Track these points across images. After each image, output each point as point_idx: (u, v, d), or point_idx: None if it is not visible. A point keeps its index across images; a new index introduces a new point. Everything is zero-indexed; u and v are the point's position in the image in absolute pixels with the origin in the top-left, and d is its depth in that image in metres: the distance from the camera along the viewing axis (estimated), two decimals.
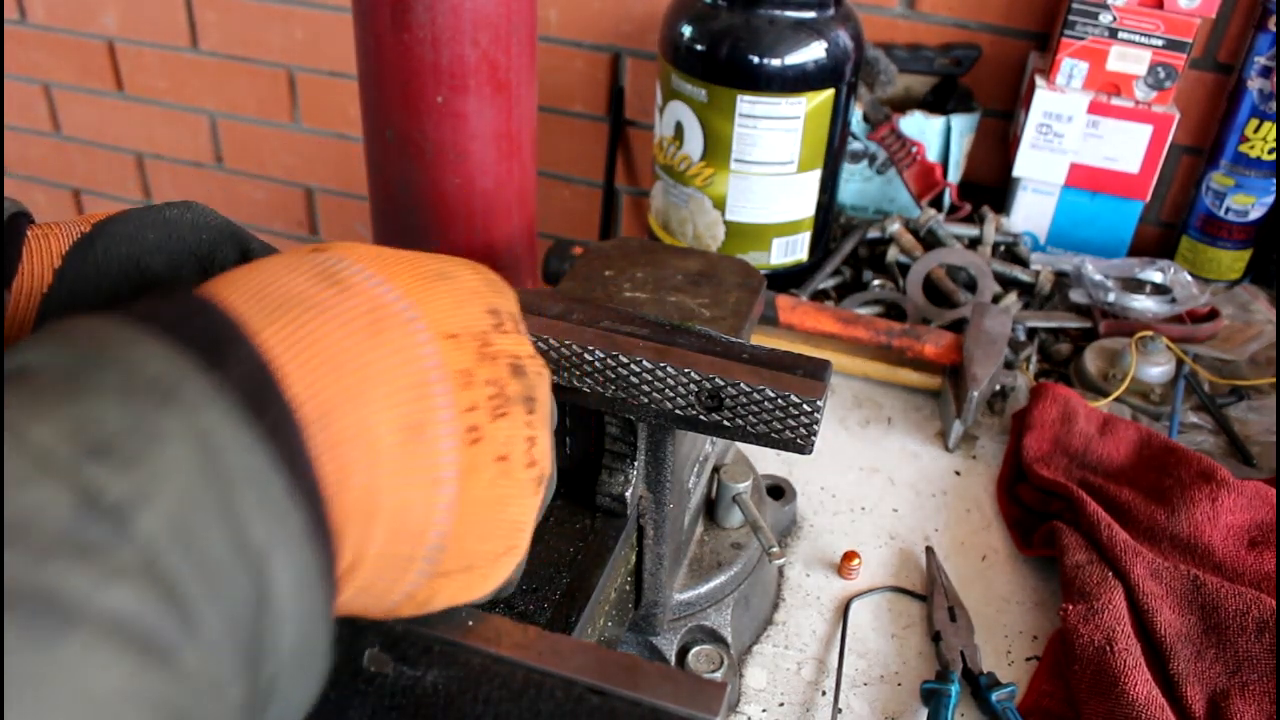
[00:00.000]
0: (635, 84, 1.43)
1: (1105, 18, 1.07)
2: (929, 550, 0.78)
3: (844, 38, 0.99)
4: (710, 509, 0.71)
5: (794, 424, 0.50)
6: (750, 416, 0.50)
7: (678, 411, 0.52)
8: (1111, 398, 0.92)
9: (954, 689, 0.66)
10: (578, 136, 1.50)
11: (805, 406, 0.49)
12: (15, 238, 0.41)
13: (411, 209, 0.97)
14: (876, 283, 1.09)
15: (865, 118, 1.17)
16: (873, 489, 0.85)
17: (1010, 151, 1.21)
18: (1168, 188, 1.25)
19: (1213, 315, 1.03)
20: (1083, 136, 1.12)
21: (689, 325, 0.54)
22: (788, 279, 1.10)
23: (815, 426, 0.50)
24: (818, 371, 0.51)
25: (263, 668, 0.26)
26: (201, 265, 0.44)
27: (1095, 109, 1.10)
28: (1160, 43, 1.07)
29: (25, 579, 0.20)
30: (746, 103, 0.98)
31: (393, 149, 0.94)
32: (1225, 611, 0.68)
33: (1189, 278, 1.07)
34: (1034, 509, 0.81)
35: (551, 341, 0.52)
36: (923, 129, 1.19)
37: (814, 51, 0.97)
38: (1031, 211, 1.19)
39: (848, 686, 0.68)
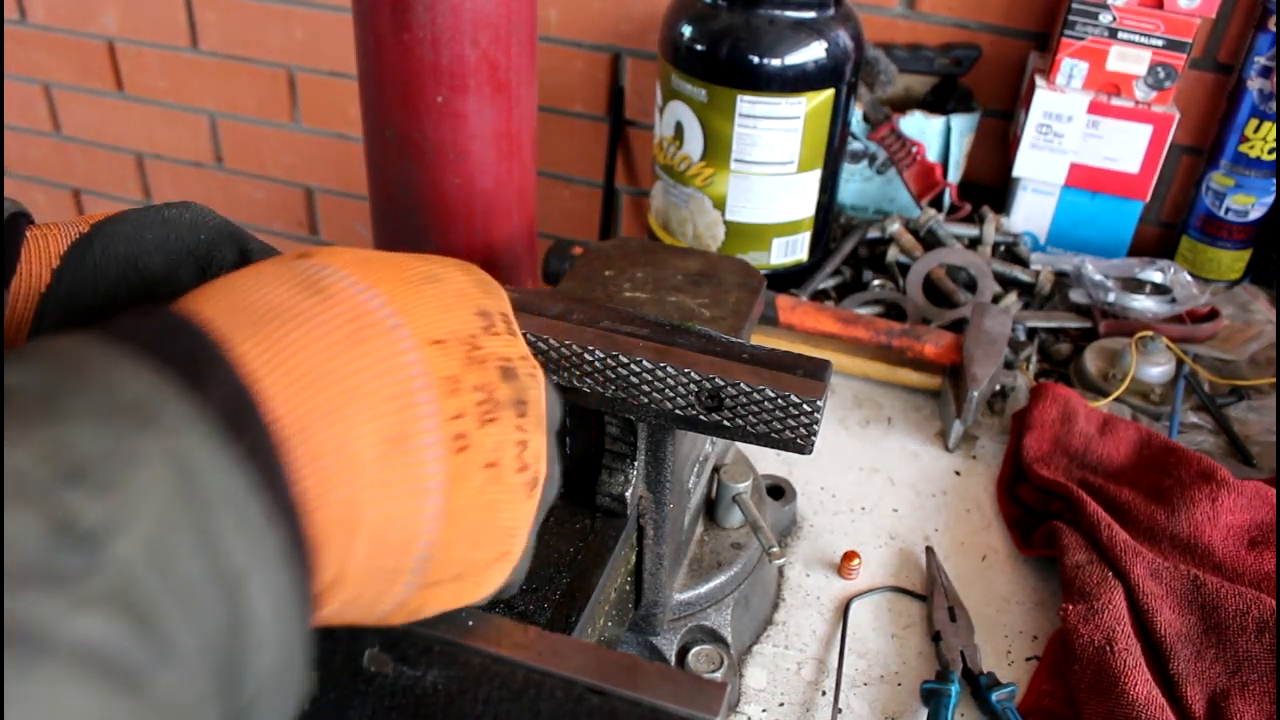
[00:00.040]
0: (635, 84, 1.43)
1: (1105, 18, 1.07)
2: (929, 550, 0.78)
3: (844, 38, 0.99)
4: (710, 509, 0.71)
5: (794, 424, 0.50)
6: (750, 416, 0.50)
7: (678, 411, 0.52)
8: (1111, 398, 0.92)
9: (954, 689, 0.66)
10: (578, 136, 1.50)
11: (805, 406, 0.49)
12: (14, 238, 0.41)
13: (411, 209, 0.97)
14: (876, 283, 1.09)
15: (865, 118, 1.17)
16: (873, 489, 0.85)
17: (1010, 151, 1.21)
18: (1168, 188, 1.25)
19: (1213, 315, 1.03)
20: (1083, 136, 1.12)
21: (689, 325, 0.54)
22: (788, 279, 1.10)
23: (815, 426, 0.50)
24: (818, 371, 0.51)
25: (241, 690, 0.26)
26: (200, 265, 0.44)
27: (1095, 109, 1.10)
28: (1160, 43, 1.07)
29: None
30: (746, 103, 0.98)
31: (393, 149, 0.94)
32: (1225, 611, 0.68)
33: (1189, 278, 1.07)
34: (1034, 509, 0.81)
35: (551, 341, 0.52)
36: (923, 129, 1.19)
37: (814, 51, 0.97)
38: (1031, 211, 1.19)
39: (848, 686, 0.68)
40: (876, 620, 0.74)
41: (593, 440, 0.59)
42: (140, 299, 0.43)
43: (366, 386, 0.30)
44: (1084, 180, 1.14)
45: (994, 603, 0.75)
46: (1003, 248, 1.15)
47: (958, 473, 0.87)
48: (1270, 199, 1.13)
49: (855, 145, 1.21)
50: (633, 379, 0.51)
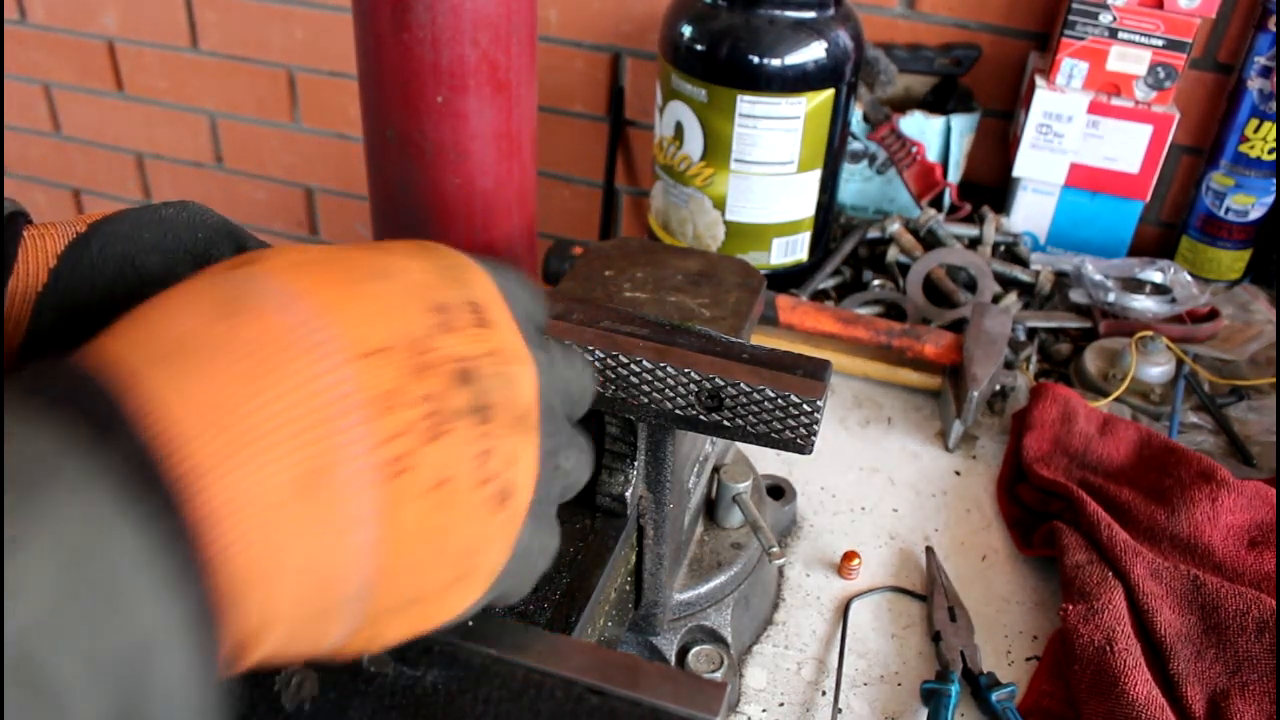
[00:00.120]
0: (635, 84, 1.43)
1: (1105, 18, 1.07)
2: (929, 550, 0.78)
3: (844, 38, 0.99)
4: (710, 509, 0.71)
5: (794, 424, 0.50)
6: (750, 416, 0.50)
7: (678, 411, 0.52)
8: (1111, 398, 0.92)
9: (954, 689, 0.66)
10: (578, 136, 1.50)
11: (805, 406, 0.49)
12: (11, 238, 0.41)
13: (411, 209, 0.97)
14: (876, 283, 1.09)
15: (865, 118, 1.18)
16: (873, 489, 0.85)
17: (1010, 151, 1.21)
18: (1168, 188, 1.25)
19: (1213, 315, 1.03)
20: (1083, 136, 1.12)
21: (689, 325, 0.54)
22: (788, 279, 1.10)
23: (815, 426, 0.50)
24: (818, 371, 0.51)
25: None
26: (198, 264, 0.44)
27: (1095, 109, 1.10)
28: (1160, 43, 1.07)
29: None
30: (746, 103, 0.98)
31: (393, 149, 0.94)
32: (1225, 611, 0.68)
33: (1189, 278, 1.07)
34: (1034, 509, 0.81)
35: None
36: (923, 129, 1.19)
37: (814, 51, 0.97)
38: (1031, 211, 1.19)
39: (848, 686, 0.68)
40: (876, 620, 0.74)
41: (593, 440, 0.59)
42: (138, 298, 0.43)
43: (279, 419, 0.28)
44: (1084, 180, 1.14)
45: (994, 603, 0.75)
46: (1003, 248, 1.15)
47: (958, 473, 0.87)
48: (1270, 199, 1.13)
49: (855, 145, 1.21)
50: (633, 379, 0.51)
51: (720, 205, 1.06)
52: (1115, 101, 1.10)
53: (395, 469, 0.30)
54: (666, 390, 0.51)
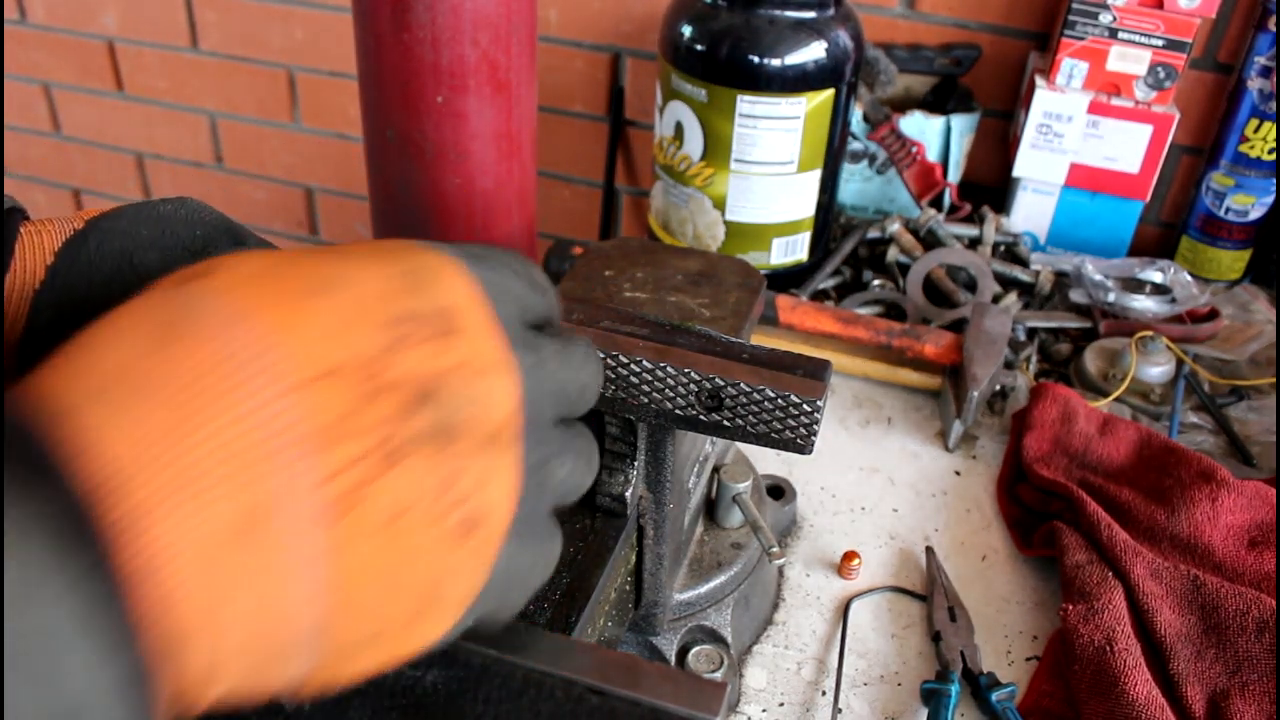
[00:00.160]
0: (635, 84, 1.43)
1: (1105, 18, 1.07)
2: (929, 550, 0.78)
3: (844, 38, 0.99)
4: (710, 509, 0.71)
5: (794, 424, 0.50)
6: (750, 416, 0.50)
7: (678, 411, 0.52)
8: (1111, 398, 0.92)
9: (954, 689, 0.66)
10: (578, 136, 1.50)
11: (805, 406, 0.49)
12: (8, 234, 0.40)
13: (411, 209, 0.97)
14: (876, 283, 1.09)
15: (865, 118, 1.18)
16: (873, 489, 0.85)
17: (1010, 151, 1.21)
18: (1168, 188, 1.25)
19: (1213, 315, 1.03)
20: (1083, 136, 1.12)
21: (689, 325, 0.54)
22: (788, 279, 1.10)
23: (815, 426, 0.50)
24: (818, 371, 0.51)
25: None
26: (195, 261, 0.44)
27: (1095, 109, 1.10)
28: (1160, 43, 1.07)
29: None
30: (746, 103, 0.98)
31: (393, 149, 0.94)
32: (1225, 611, 0.68)
33: (1189, 278, 1.07)
34: (1034, 509, 0.81)
35: None
36: (923, 129, 1.19)
37: (814, 51, 0.97)
38: (1031, 211, 1.19)
39: (848, 686, 0.68)
40: (876, 620, 0.74)
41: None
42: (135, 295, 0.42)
43: (219, 455, 0.26)
44: (1084, 180, 1.14)
45: (994, 603, 0.75)
46: (1003, 248, 1.15)
47: (958, 473, 0.87)
48: (1270, 199, 1.13)
49: (855, 145, 1.21)
50: (633, 379, 0.51)
51: (720, 205, 1.06)
52: (1115, 101, 1.10)
53: (345, 505, 0.28)
54: (666, 390, 0.51)
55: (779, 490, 0.79)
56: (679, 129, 1.04)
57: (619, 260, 0.74)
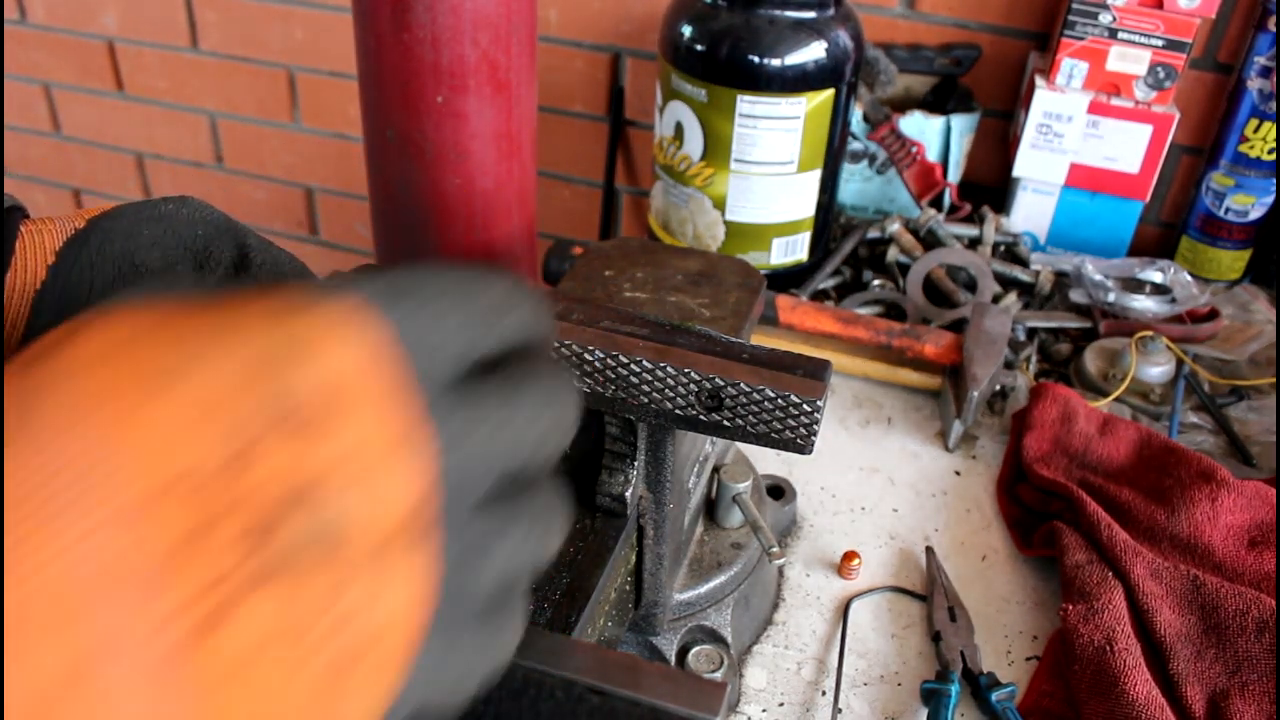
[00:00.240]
0: (635, 84, 1.43)
1: (1105, 18, 1.07)
2: (929, 550, 0.78)
3: (844, 38, 0.99)
4: (710, 509, 0.71)
5: (794, 424, 0.50)
6: (750, 416, 0.50)
7: (678, 411, 0.52)
8: (1111, 398, 0.92)
9: (954, 689, 0.66)
10: (578, 136, 1.50)
11: (805, 406, 0.49)
12: (9, 233, 0.40)
13: (411, 209, 0.97)
14: (876, 283, 1.09)
15: (865, 118, 1.18)
16: (873, 489, 0.85)
17: (1010, 151, 1.21)
18: (1168, 188, 1.25)
19: (1213, 315, 1.03)
20: (1083, 136, 1.12)
21: (689, 325, 0.54)
22: (788, 279, 1.10)
23: (815, 426, 0.50)
24: (818, 371, 0.51)
25: None
26: (197, 261, 0.44)
27: (1095, 109, 1.10)
28: (1160, 43, 1.07)
29: None
30: (746, 103, 0.98)
31: (393, 149, 0.94)
32: (1225, 611, 0.68)
33: (1189, 278, 1.07)
34: (1034, 509, 0.81)
35: (551, 341, 0.52)
36: (923, 129, 1.19)
37: (814, 51, 0.97)
38: (1031, 211, 1.19)
39: (848, 686, 0.68)
40: (876, 620, 0.73)
41: (593, 440, 0.59)
42: None
43: (40, 599, 0.22)
44: (1084, 180, 1.14)
45: (994, 603, 0.75)
46: (1003, 248, 1.15)
47: (958, 473, 0.87)
48: (1270, 199, 1.13)
49: (855, 145, 1.21)
50: (633, 379, 0.51)
51: (720, 205, 1.06)
52: (1115, 101, 1.10)
53: (190, 648, 0.23)
54: (666, 390, 0.51)
55: (779, 490, 0.79)
56: (679, 129, 1.04)
57: (619, 260, 0.74)
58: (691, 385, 0.51)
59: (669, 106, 1.05)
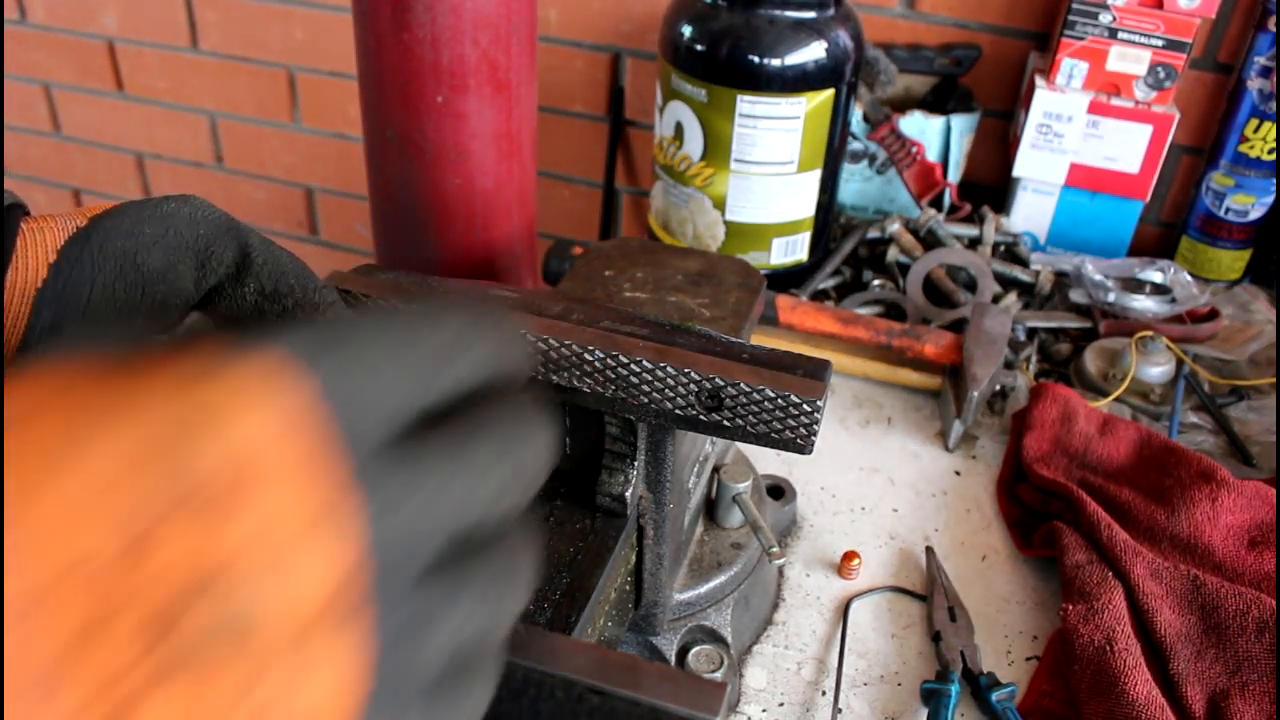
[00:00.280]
0: (635, 84, 1.43)
1: (1105, 18, 1.07)
2: (929, 550, 0.78)
3: (844, 38, 0.99)
4: (710, 509, 0.71)
5: (794, 424, 0.50)
6: (750, 416, 0.50)
7: (678, 411, 0.52)
8: (1111, 398, 0.92)
9: (954, 689, 0.66)
10: (578, 136, 1.50)
11: (805, 406, 0.49)
12: (9, 230, 0.40)
13: (411, 209, 0.97)
14: (876, 283, 1.09)
15: (865, 118, 1.18)
16: (873, 489, 0.85)
17: (1010, 151, 1.21)
18: (1168, 188, 1.25)
19: (1213, 315, 1.03)
20: (1083, 136, 1.12)
21: (689, 325, 0.54)
22: (788, 279, 1.10)
23: (815, 426, 0.50)
24: (818, 371, 0.51)
25: None
26: (199, 260, 0.44)
27: (1095, 109, 1.10)
28: (1160, 43, 1.07)
29: None
30: (746, 103, 0.98)
31: (393, 149, 0.94)
32: (1225, 611, 0.68)
33: (1189, 278, 1.07)
34: (1034, 509, 0.81)
35: (551, 341, 0.52)
36: (923, 129, 1.19)
37: (814, 51, 0.97)
38: (1031, 211, 1.19)
39: (848, 686, 0.68)
40: (876, 620, 0.73)
41: (593, 440, 0.59)
42: (139, 294, 0.42)
43: None
44: (1084, 180, 1.14)
45: (994, 603, 0.75)
46: (1003, 248, 1.15)
47: (958, 473, 0.87)
48: (1270, 199, 1.13)
49: (855, 145, 1.21)
50: (633, 379, 0.51)
51: (720, 205, 1.06)
52: (1115, 101, 1.10)
53: None
54: (666, 390, 0.51)
55: (779, 490, 0.79)
56: (679, 129, 1.04)
57: (619, 260, 0.74)
58: (691, 385, 0.51)
59: (669, 106, 1.05)
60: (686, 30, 1.00)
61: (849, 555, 0.76)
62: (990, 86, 1.26)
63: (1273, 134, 1.09)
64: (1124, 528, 0.75)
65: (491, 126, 0.93)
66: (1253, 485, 0.77)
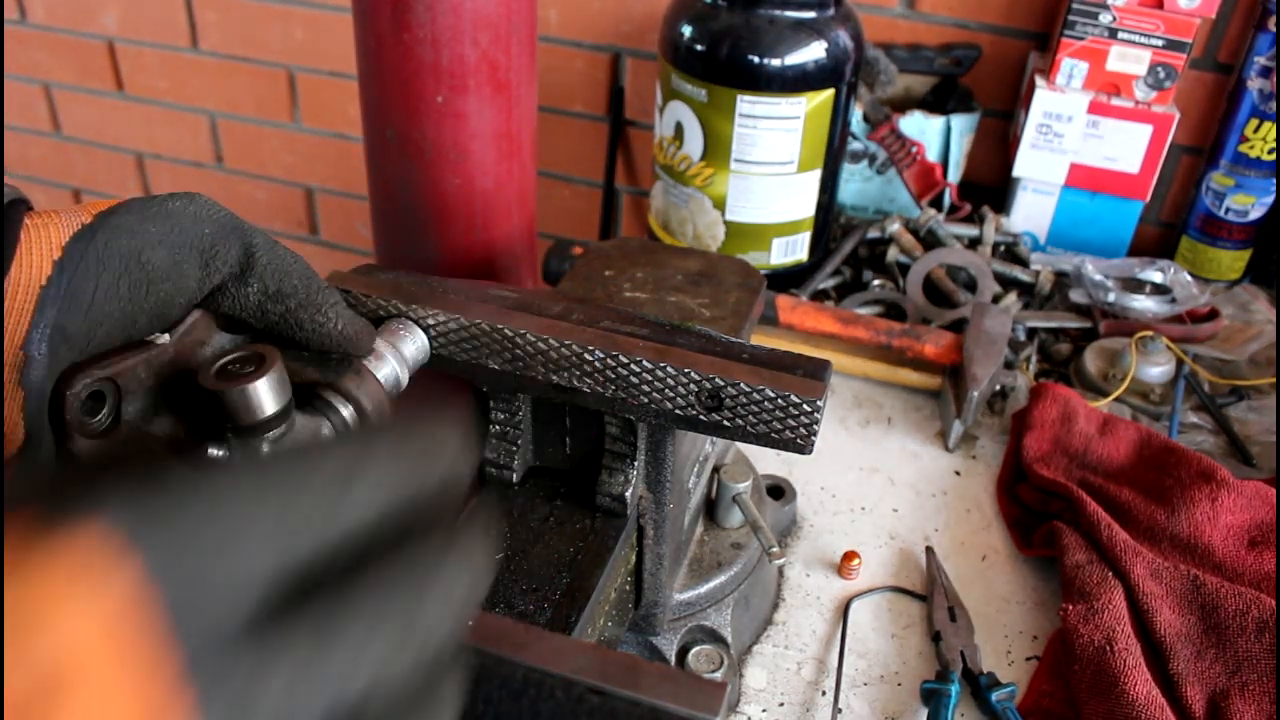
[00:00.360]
0: (635, 84, 1.43)
1: (1105, 18, 1.07)
2: (929, 550, 0.78)
3: (844, 38, 0.99)
4: (710, 509, 0.71)
5: (794, 424, 0.50)
6: (750, 416, 0.50)
7: (678, 411, 0.52)
8: (1111, 398, 0.92)
9: (954, 689, 0.66)
10: (578, 136, 1.50)
11: (805, 406, 0.49)
12: (11, 227, 0.40)
13: (411, 209, 0.97)
14: (876, 283, 1.09)
15: (865, 118, 1.18)
16: (873, 489, 0.85)
17: (1010, 151, 1.21)
18: (1168, 188, 1.25)
19: (1213, 315, 1.03)
20: (1083, 136, 1.12)
21: (689, 325, 0.54)
22: (788, 279, 1.10)
23: (815, 426, 0.50)
24: (818, 371, 0.51)
25: None
26: (203, 259, 0.44)
27: (1095, 109, 1.10)
28: (1160, 43, 1.07)
29: None
30: (746, 103, 0.98)
31: (393, 149, 0.94)
32: (1225, 611, 0.68)
33: (1189, 278, 1.07)
34: (1034, 509, 0.81)
35: (551, 341, 0.52)
36: (923, 129, 1.19)
37: (814, 51, 0.97)
38: (1031, 211, 1.19)
39: (848, 686, 0.68)
40: (876, 620, 0.73)
41: (593, 440, 0.59)
42: (142, 293, 0.42)
43: None
44: (1084, 180, 1.14)
45: (994, 603, 0.75)
46: (1003, 248, 1.15)
47: (958, 473, 0.87)
48: (1270, 199, 1.13)
49: (855, 145, 1.21)
50: (633, 379, 0.51)
51: (720, 205, 1.06)
52: (1115, 101, 1.10)
53: None
54: (666, 390, 0.51)
55: (779, 490, 0.79)
56: (679, 129, 1.04)
57: (619, 260, 0.74)
58: (691, 385, 0.51)
59: (669, 106, 1.05)
60: (686, 30, 1.00)
61: (849, 555, 0.76)
62: (990, 86, 1.26)
63: (1273, 134, 1.09)
64: (1124, 528, 0.75)
65: (491, 126, 0.93)
66: (1253, 485, 0.77)
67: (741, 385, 0.50)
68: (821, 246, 1.12)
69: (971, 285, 1.06)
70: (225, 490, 0.22)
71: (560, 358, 0.52)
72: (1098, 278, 1.06)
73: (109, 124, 1.81)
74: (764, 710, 0.67)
